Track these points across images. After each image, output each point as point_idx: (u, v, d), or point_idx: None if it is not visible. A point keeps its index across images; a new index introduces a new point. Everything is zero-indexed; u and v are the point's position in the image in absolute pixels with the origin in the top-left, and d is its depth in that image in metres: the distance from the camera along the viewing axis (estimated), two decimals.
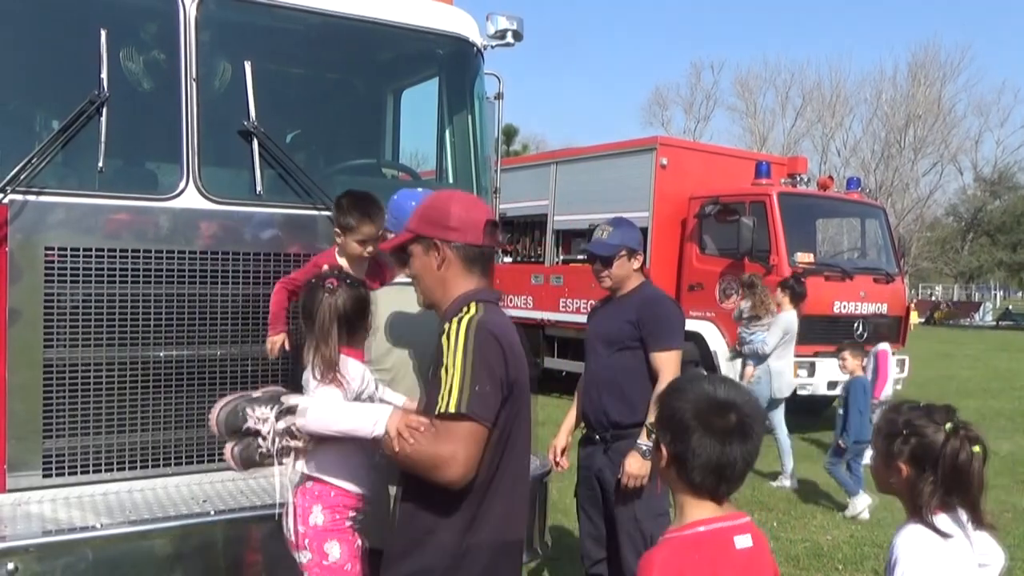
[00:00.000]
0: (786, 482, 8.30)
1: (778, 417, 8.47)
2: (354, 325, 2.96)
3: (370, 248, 3.66)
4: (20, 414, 3.38)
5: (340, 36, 4.28)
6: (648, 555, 2.02)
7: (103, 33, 3.49)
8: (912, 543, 2.30)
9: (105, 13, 3.66)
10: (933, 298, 52.03)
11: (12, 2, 3.61)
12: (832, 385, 10.89)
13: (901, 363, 11.72)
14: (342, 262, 3.72)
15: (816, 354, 10.65)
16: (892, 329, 11.83)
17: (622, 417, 3.97)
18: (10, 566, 2.90)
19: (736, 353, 9.58)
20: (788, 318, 8.39)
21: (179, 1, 3.66)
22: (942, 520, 2.30)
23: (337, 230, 3.66)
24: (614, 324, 4.07)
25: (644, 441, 3.80)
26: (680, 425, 2.00)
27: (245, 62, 3.83)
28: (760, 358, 8.35)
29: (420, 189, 3.38)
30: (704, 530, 2.02)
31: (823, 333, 10.77)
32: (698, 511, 2.04)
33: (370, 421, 2.52)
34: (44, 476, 3.44)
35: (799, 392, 10.64)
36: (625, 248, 4.06)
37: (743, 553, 2.01)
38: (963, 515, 2.34)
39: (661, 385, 3.85)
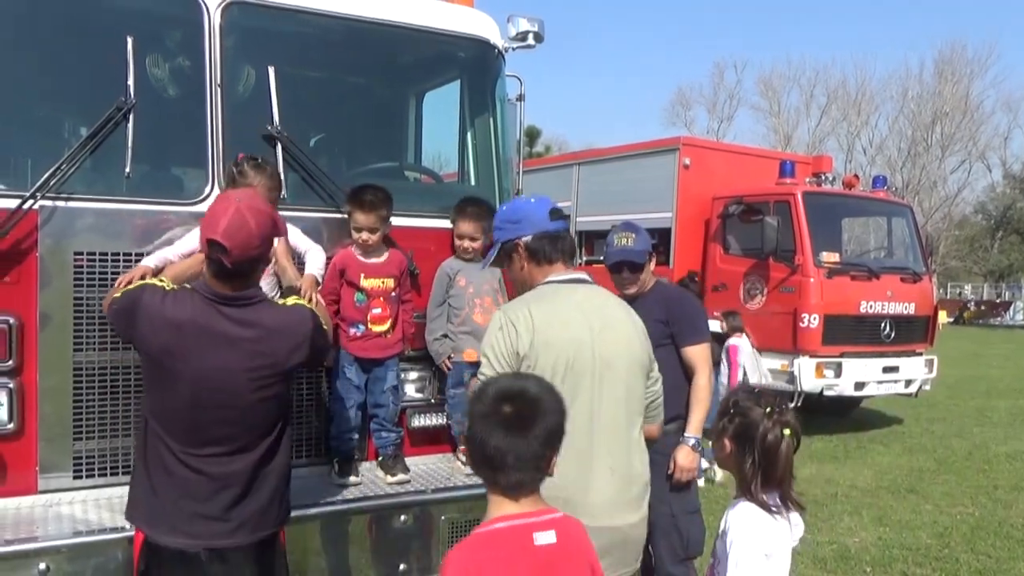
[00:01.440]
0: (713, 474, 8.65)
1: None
2: None
3: (364, 235, 3.84)
4: (51, 416, 3.43)
5: (362, 40, 4.31)
6: (447, 553, 2.04)
7: (129, 41, 3.54)
8: (742, 517, 2.46)
9: (131, 21, 3.72)
10: (961, 296, 51.34)
11: (41, 12, 3.67)
12: (859, 386, 10.79)
13: (930, 363, 11.59)
14: (358, 255, 3.92)
15: (843, 355, 10.54)
16: (920, 329, 11.68)
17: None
18: (42, 566, 2.95)
19: None
20: None
21: (204, 8, 3.71)
22: (769, 498, 2.47)
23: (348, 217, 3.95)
24: (646, 324, 4.05)
25: (691, 434, 3.91)
26: (468, 417, 2.11)
27: (269, 67, 3.87)
28: None
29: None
30: (502, 527, 2.02)
31: (850, 333, 10.67)
32: (498, 508, 2.05)
33: None
34: (75, 477, 3.49)
35: (825, 392, 10.55)
36: (648, 252, 4.11)
37: (544, 549, 1.99)
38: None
39: (700, 378, 4.00)
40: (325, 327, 3.01)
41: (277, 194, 3.60)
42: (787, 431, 2.46)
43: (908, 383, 11.37)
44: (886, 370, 11.05)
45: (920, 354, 11.59)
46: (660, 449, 3.82)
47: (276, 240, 3.47)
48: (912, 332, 11.50)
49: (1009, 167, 55.12)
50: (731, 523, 2.48)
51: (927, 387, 11.78)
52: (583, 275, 2.99)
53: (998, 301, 46.78)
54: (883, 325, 11.07)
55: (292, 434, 3.02)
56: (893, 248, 12.72)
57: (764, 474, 2.45)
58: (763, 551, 2.42)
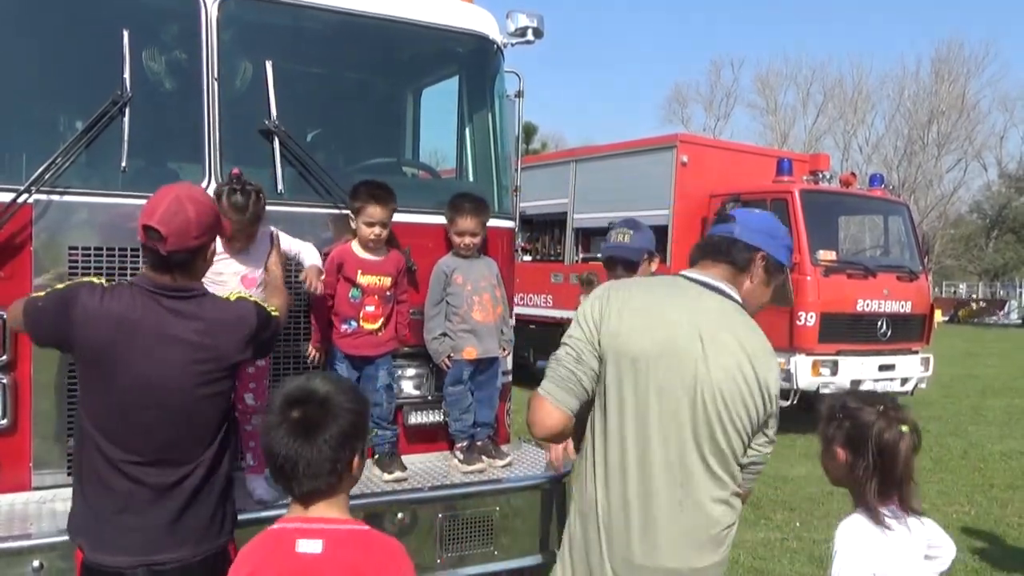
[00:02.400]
0: None
1: None
2: None
3: (377, 230, 3.81)
4: (45, 413, 3.41)
5: (360, 35, 4.28)
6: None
7: (125, 34, 3.51)
8: (850, 534, 2.32)
9: (127, 14, 3.69)
10: (956, 295, 51.42)
11: (37, 5, 3.64)
12: (855, 384, 10.79)
13: (925, 361, 11.60)
14: (359, 251, 3.84)
15: (839, 352, 10.55)
16: (916, 327, 11.69)
17: None
18: (36, 563, 2.93)
19: None
20: None
21: (200, 1, 3.68)
22: (886, 508, 2.32)
23: (351, 215, 3.90)
24: None
25: None
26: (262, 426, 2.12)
27: (266, 61, 3.85)
28: None
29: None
30: (274, 528, 2.01)
31: (846, 332, 10.67)
32: (288, 511, 2.05)
33: None
34: (69, 474, 3.45)
35: (822, 390, 10.54)
36: (647, 252, 3.95)
37: (304, 558, 1.92)
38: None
39: None
40: (275, 315, 2.89)
41: (253, 228, 3.49)
42: (904, 427, 2.32)
43: (904, 381, 11.38)
44: (882, 368, 11.06)
45: (916, 352, 11.60)
46: None
47: (270, 253, 3.55)
48: (908, 330, 11.51)
49: (1005, 166, 55.33)
50: (838, 541, 2.31)
51: (923, 385, 11.79)
52: (721, 284, 2.49)
53: (994, 299, 46.86)
54: (879, 323, 11.07)
55: (236, 440, 2.88)
56: (890, 246, 12.72)
57: (882, 477, 2.30)
58: (869, 570, 2.25)
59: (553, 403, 2.42)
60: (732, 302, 2.47)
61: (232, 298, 2.81)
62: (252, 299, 2.87)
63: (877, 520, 2.29)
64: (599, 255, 4.30)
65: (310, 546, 1.93)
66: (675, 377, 2.34)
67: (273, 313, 2.89)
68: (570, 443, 4.05)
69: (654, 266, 4.00)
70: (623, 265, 3.87)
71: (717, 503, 2.40)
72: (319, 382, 2.06)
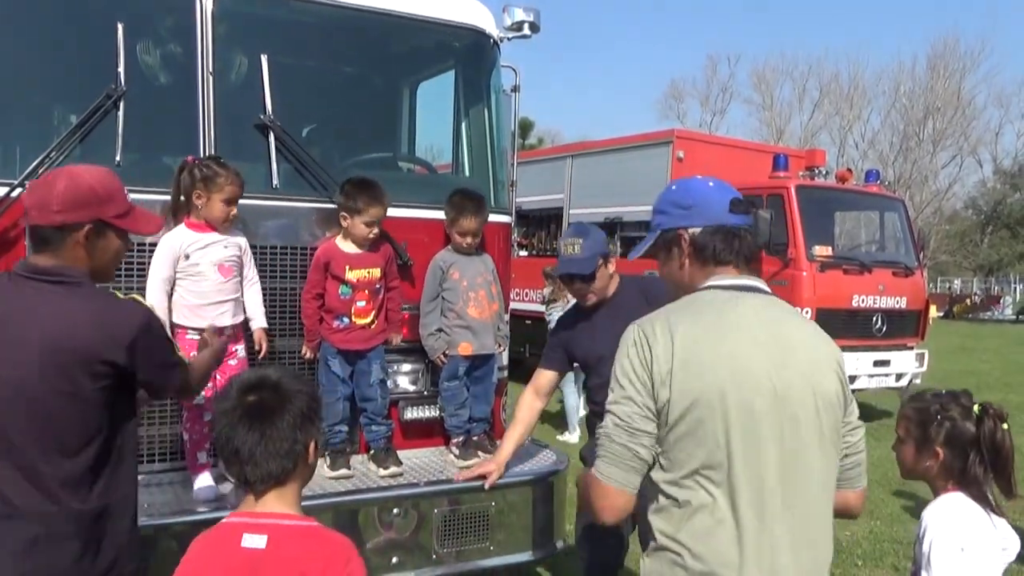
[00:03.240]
0: (571, 438, 9.45)
1: (571, 380, 9.53)
2: None
3: (376, 229, 3.79)
4: None
5: (356, 29, 4.27)
6: None
7: (120, 27, 3.49)
8: (946, 510, 2.44)
9: (122, 7, 3.67)
10: (951, 291, 51.54)
11: None
12: (850, 379, 10.78)
13: (921, 357, 11.62)
14: (345, 247, 3.81)
15: None
16: (911, 323, 11.71)
17: None
18: None
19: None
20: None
21: None
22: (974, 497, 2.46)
23: (344, 214, 3.84)
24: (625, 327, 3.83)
25: None
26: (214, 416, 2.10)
27: (261, 55, 3.83)
28: None
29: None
30: (224, 521, 2.00)
31: (842, 327, 10.66)
32: (241, 504, 2.04)
33: None
34: None
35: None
36: (600, 256, 3.74)
37: (248, 552, 1.89)
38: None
39: None
40: (178, 354, 2.59)
41: (240, 190, 3.54)
42: (1005, 424, 2.48)
43: (899, 377, 11.40)
44: (877, 364, 11.07)
45: (911, 348, 11.62)
46: None
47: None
48: (904, 326, 11.53)
49: (1000, 162, 55.39)
50: (930, 518, 2.43)
51: (917, 381, 11.80)
52: (756, 282, 2.26)
53: (988, 295, 46.97)
54: (875, 319, 11.09)
55: (135, 463, 2.49)
56: (885, 242, 12.73)
57: (995, 472, 2.45)
58: (959, 544, 2.36)
59: (617, 486, 2.07)
60: (766, 294, 2.25)
61: (120, 295, 2.51)
62: (145, 306, 2.52)
63: (986, 502, 2.44)
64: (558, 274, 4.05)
65: (254, 541, 1.92)
66: (774, 398, 2.03)
67: (178, 353, 2.60)
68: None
69: (611, 267, 3.82)
70: (580, 278, 3.76)
71: (827, 539, 2.21)
72: (271, 371, 2.09)
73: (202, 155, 3.64)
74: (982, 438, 2.45)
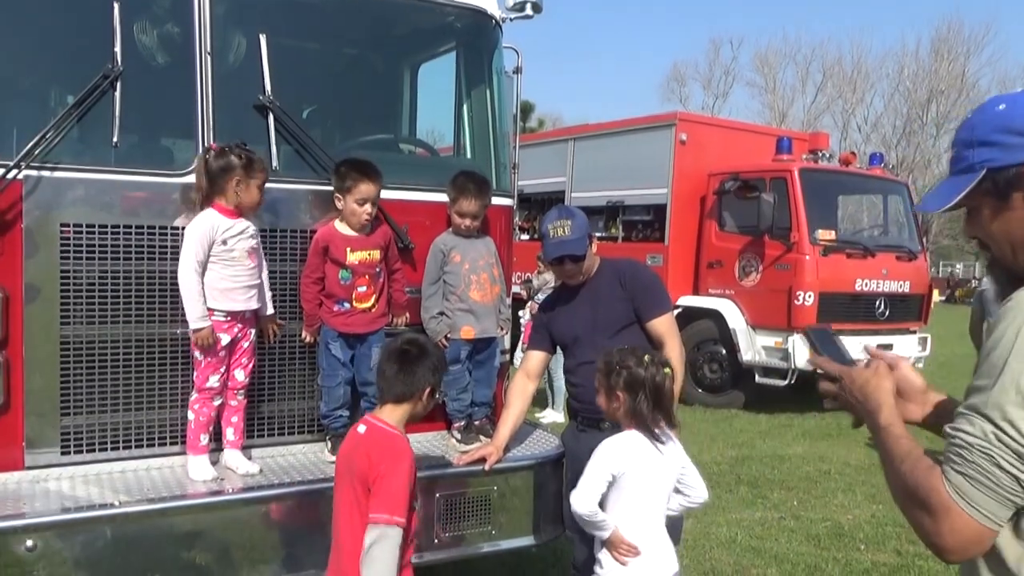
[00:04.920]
0: (558, 416, 9.50)
1: (561, 363, 9.62)
2: None
3: (369, 208, 3.75)
4: (38, 391, 3.37)
5: (356, 9, 4.21)
6: None
7: (116, 6, 3.44)
8: (614, 443, 3.08)
9: None
10: (952, 275, 51.44)
11: None
12: (853, 364, 10.77)
13: (923, 341, 11.60)
14: (343, 229, 3.78)
15: (837, 332, 10.49)
16: (914, 307, 11.68)
17: None
18: (29, 543, 2.90)
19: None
20: None
21: None
22: (657, 428, 3.08)
23: (337, 195, 3.81)
24: (606, 307, 3.78)
25: None
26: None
27: (260, 36, 3.77)
28: None
29: None
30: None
31: (845, 311, 10.66)
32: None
33: None
34: (62, 453, 3.44)
35: (819, 371, 10.52)
36: (587, 236, 3.77)
37: (356, 435, 2.93)
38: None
39: (672, 350, 3.64)
40: None
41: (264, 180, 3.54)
42: (667, 370, 3.12)
43: None
44: (880, 348, 11.01)
45: (914, 332, 11.60)
46: None
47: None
48: (906, 310, 11.50)
49: None
50: (599, 447, 3.07)
51: (920, 365, 11.78)
52: None
53: None
54: (877, 303, 11.06)
55: None
56: (888, 226, 12.68)
57: (656, 408, 3.05)
58: (611, 470, 3.02)
59: (985, 520, 1.50)
60: None
61: None
62: None
63: (653, 435, 3.05)
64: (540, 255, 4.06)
65: (361, 428, 2.92)
66: None
67: None
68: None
69: (594, 248, 3.84)
70: (571, 259, 3.74)
71: None
72: (422, 338, 3.15)
73: (200, 137, 3.60)
74: (647, 381, 3.03)
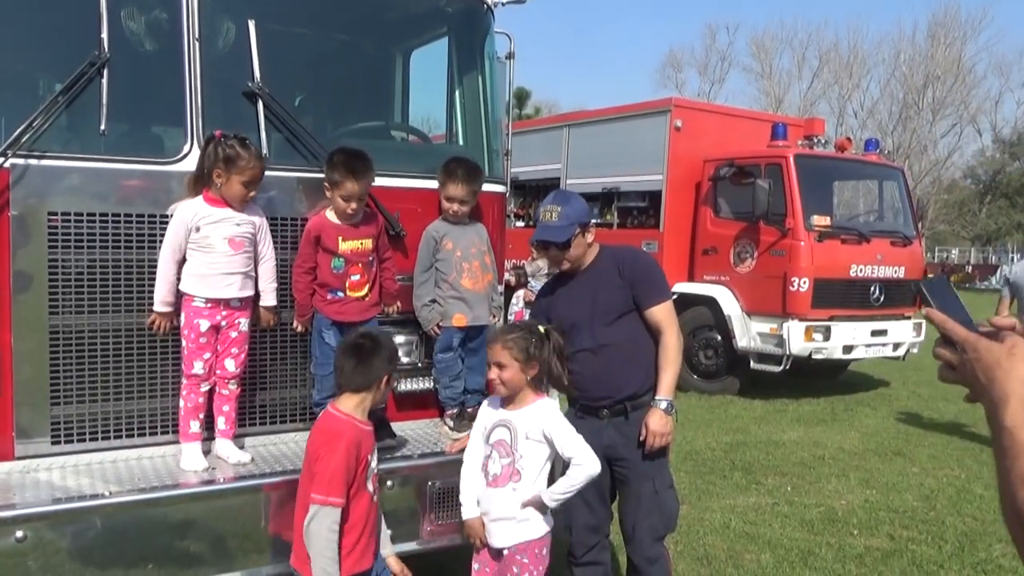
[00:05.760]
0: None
1: None
2: None
3: (354, 205, 3.74)
4: (27, 381, 3.36)
5: None
6: None
7: None
8: (552, 411, 3.37)
9: None
10: (947, 260, 51.53)
11: None
12: (848, 349, 10.81)
13: (918, 327, 11.60)
14: (333, 218, 3.76)
15: (832, 318, 10.54)
16: (909, 293, 11.67)
17: (640, 386, 3.72)
18: (19, 534, 2.89)
19: (529, 304, 10.17)
20: None
21: None
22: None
23: (326, 184, 3.77)
24: (604, 295, 3.74)
25: (663, 396, 3.64)
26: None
27: (249, 21, 3.74)
28: None
29: None
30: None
31: (839, 297, 10.65)
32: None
33: None
34: (53, 443, 3.42)
35: (814, 356, 10.56)
36: (577, 225, 3.68)
37: (316, 421, 3.21)
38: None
39: (670, 338, 3.68)
40: None
41: (264, 173, 3.53)
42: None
43: (896, 346, 11.40)
44: (874, 333, 11.07)
45: (908, 318, 11.60)
46: (640, 427, 3.65)
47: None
48: (901, 296, 11.49)
49: (999, 131, 54.94)
50: (549, 422, 3.32)
51: (915, 350, 11.81)
52: None
53: (986, 264, 47.00)
54: (872, 289, 11.06)
55: None
56: (884, 212, 12.67)
57: (551, 377, 3.43)
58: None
59: None
60: None
61: None
62: None
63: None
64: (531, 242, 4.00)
65: (320, 415, 3.20)
66: None
67: None
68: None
69: (589, 236, 3.76)
70: (555, 246, 3.71)
71: None
72: (375, 331, 3.39)
73: (189, 124, 3.58)
74: (551, 349, 3.38)
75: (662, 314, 3.73)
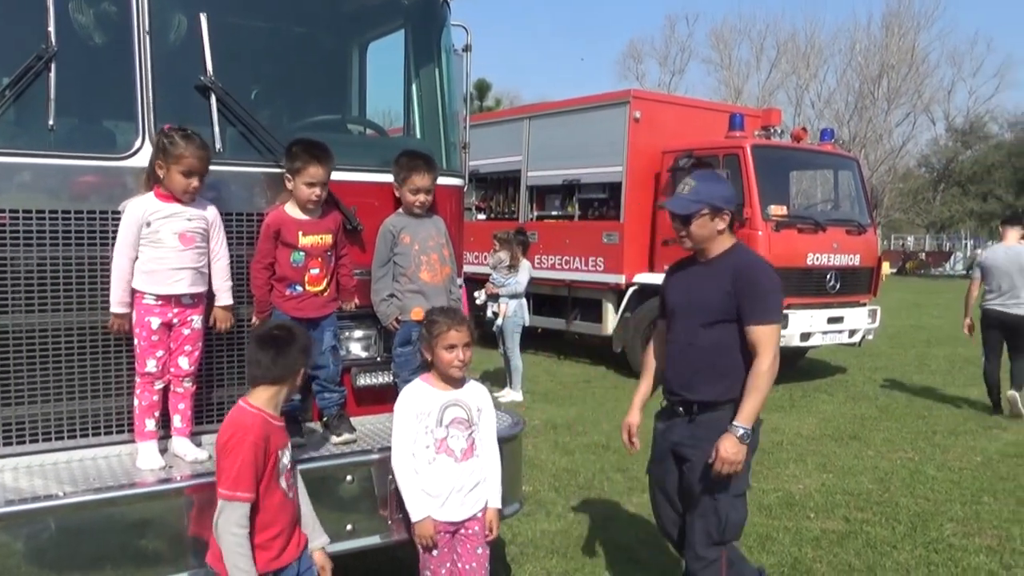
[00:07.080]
0: (516, 396, 10.04)
1: (517, 341, 10.23)
2: None
3: (318, 191, 3.71)
4: None
5: None
6: None
7: None
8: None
9: None
10: (904, 247, 52.49)
11: None
12: (805, 337, 10.99)
13: (873, 313, 11.84)
14: (294, 212, 3.73)
15: (789, 307, 10.70)
16: (864, 280, 11.91)
17: (715, 395, 3.60)
18: None
19: (491, 296, 10.49)
20: (528, 264, 10.58)
21: None
22: None
23: (288, 176, 3.75)
24: (708, 294, 3.62)
25: (741, 423, 3.45)
26: None
27: (201, 14, 3.69)
28: (515, 296, 10.20)
29: None
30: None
31: (796, 286, 10.82)
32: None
33: None
34: (4, 444, 3.36)
35: None
36: (707, 206, 3.56)
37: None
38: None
39: (763, 363, 3.48)
40: None
41: (207, 164, 3.47)
42: None
43: (852, 333, 11.63)
44: (831, 321, 11.27)
45: (864, 305, 11.84)
46: (707, 432, 3.55)
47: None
48: (857, 283, 11.73)
49: (952, 120, 56.09)
50: (481, 399, 3.66)
51: (870, 337, 12.06)
52: None
53: (940, 251, 47.99)
54: (828, 277, 11.26)
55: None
56: (839, 200, 12.88)
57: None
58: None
59: None
60: None
61: None
62: None
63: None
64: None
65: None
66: None
67: None
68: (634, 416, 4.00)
69: (721, 224, 3.60)
70: (679, 219, 3.64)
71: None
72: (287, 323, 3.33)
73: (140, 119, 3.53)
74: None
75: (761, 335, 3.51)
